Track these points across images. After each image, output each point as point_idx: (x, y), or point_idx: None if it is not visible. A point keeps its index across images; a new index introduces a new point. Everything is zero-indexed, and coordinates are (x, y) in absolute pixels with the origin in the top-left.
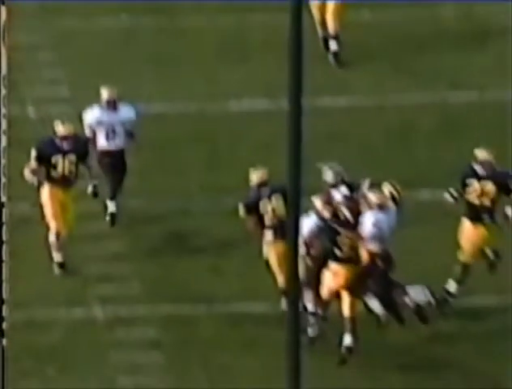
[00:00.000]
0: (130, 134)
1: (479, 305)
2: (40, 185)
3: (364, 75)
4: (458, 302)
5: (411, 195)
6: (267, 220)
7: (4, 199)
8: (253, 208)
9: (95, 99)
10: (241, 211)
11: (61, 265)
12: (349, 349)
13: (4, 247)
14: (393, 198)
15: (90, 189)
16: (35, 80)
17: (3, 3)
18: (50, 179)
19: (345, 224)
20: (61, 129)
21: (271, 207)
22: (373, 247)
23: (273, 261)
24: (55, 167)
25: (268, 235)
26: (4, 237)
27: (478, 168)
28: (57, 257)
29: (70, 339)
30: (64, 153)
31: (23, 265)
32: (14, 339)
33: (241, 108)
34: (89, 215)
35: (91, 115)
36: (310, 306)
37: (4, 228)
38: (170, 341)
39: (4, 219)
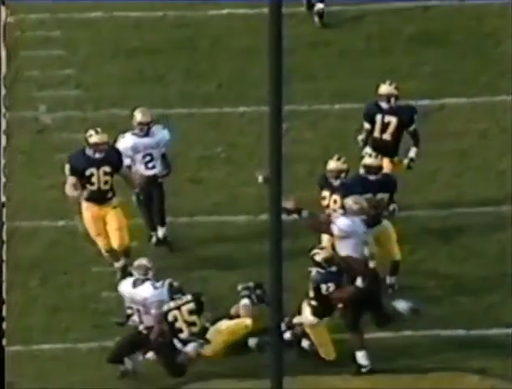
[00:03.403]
0: (164, 158)
1: None
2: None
3: None
4: None
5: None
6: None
7: (4, 199)
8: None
9: None
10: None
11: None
12: None
13: (4, 247)
14: None
15: (134, 198)
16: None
17: (3, 3)
18: (87, 198)
19: None
20: (94, 138)
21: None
22: None
23: None
24: (90, 180)
25: None
26: (4, 237)
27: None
28: (117, 264)
29: (54, 250)
30: (98, 165)
31: (7, 176)
32: None
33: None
34: None
35: (125, 142)
36: None
37: (4, 227)
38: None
39: (4, 218)
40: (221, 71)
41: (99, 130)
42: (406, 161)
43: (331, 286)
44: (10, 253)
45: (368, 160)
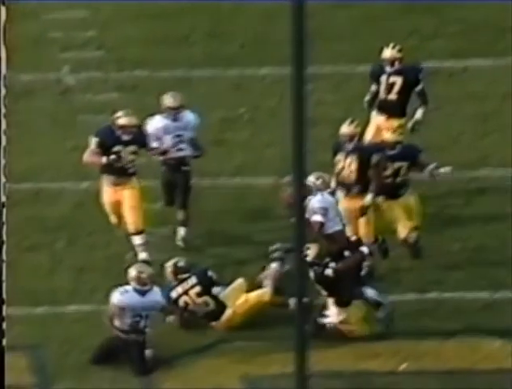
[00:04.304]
0: (193, 142)
1: None
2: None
3: None
4: None
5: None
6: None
7: (4, 199)
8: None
9: None
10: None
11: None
12: None
13: (4, 247)
14: None
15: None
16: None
17: (3, 3)
18: (107, 170)
19: None
20: (122, 120)
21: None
22: None
23: None
24: (115, 156)
25: None
26: (4, 237)
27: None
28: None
29: (78, 212)
30: (125, 144)
31: (31, 138)
32: (23, 212)
33: None
34: None
35: (155, 123)
36: None
37: (4, 228)
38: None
39: (4, 219)
40: (244, 33)
41: (129, 111)
42: (410, 124)
43: (333, 264)
44: (36, 214)
45: (386, 136)
